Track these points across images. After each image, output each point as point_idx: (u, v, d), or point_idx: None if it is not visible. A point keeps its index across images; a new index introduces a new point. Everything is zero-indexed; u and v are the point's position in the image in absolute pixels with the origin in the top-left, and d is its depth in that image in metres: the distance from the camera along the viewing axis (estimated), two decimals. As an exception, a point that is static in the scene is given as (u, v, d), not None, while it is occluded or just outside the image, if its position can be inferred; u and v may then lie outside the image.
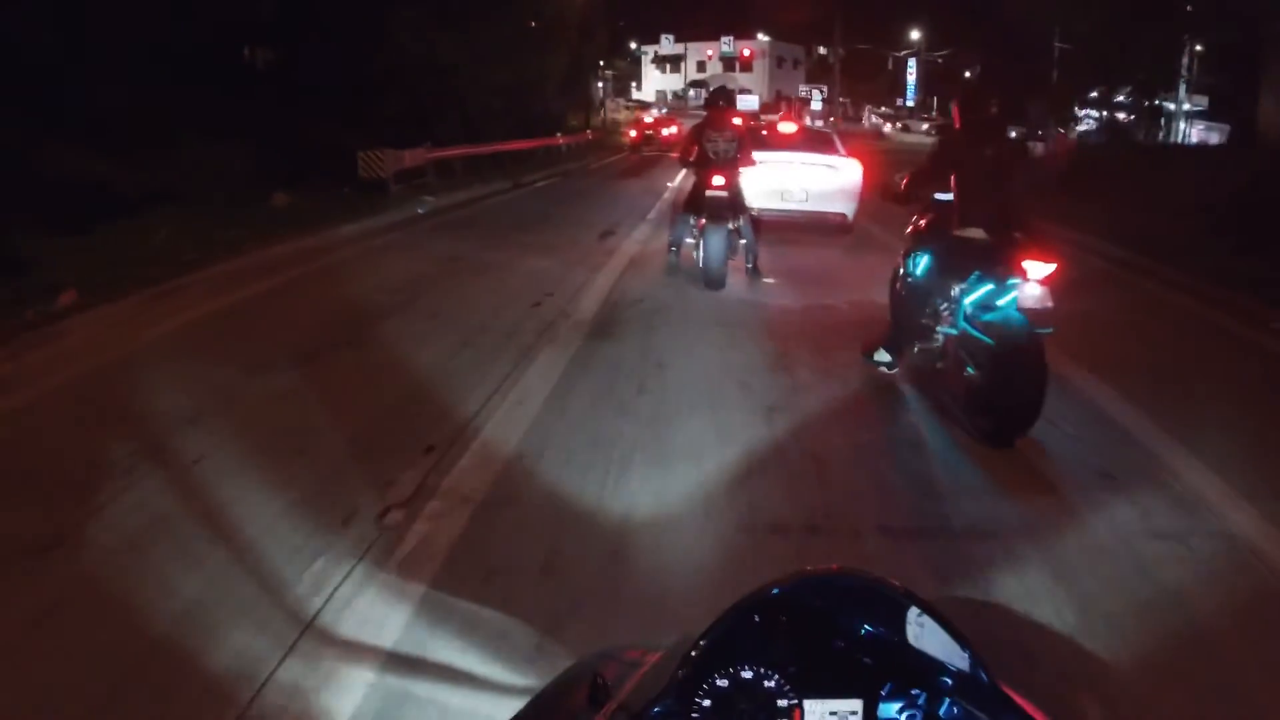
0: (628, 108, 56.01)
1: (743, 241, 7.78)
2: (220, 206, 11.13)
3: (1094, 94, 31.67)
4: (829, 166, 10.95)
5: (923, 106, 60.37)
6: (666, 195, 15.53)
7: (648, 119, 38.83)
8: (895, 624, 0.87)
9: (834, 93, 53.33)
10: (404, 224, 11.85)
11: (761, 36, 66.03)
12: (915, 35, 60.38)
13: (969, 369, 4.54)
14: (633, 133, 35.66)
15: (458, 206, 14.23)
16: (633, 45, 67.07)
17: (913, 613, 0.87)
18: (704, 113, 7.79)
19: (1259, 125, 16.21)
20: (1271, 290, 7.80)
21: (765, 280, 7.92)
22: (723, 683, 0.83)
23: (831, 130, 16.12)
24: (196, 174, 12.24)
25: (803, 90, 62.16)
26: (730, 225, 7.39)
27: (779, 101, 55.28)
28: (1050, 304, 4.30)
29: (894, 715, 0.85)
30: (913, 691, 0.85)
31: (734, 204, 7.42)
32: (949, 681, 0.85)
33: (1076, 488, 3.83)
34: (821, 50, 62.94)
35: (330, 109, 16.75)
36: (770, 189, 10.42)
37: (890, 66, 63.67)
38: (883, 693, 0.85)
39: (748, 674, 0.84)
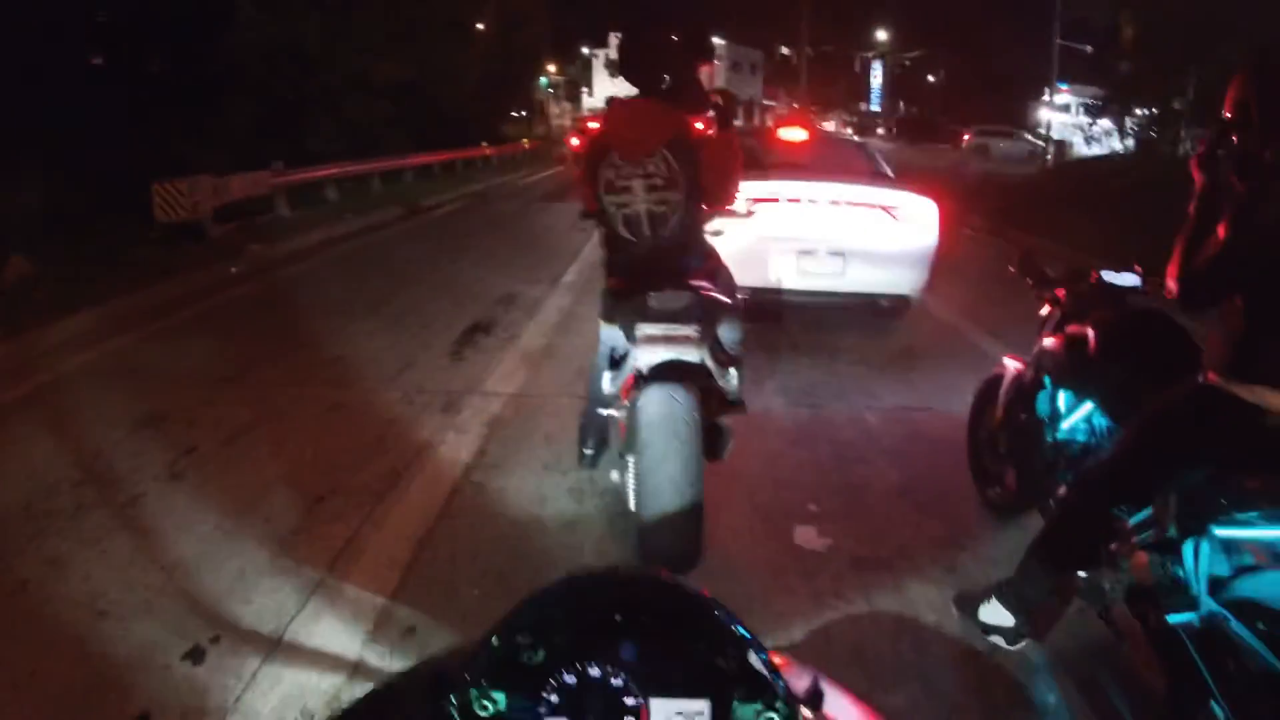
0: (576, 116, 52.10)
1: (730, 384, 3.14)
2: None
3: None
4: (882, 208, 6.26)
5: (889, 111, 57.52)
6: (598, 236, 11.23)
7: (593, 125, 34.58)
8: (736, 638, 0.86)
9: (802, 96, 49.48)
10: (187, 301, 7.50)
11: (717, 40, 62.57)
12: (881, 36, 57.38)
13: (1214, 707, 2.02)
14: (574, 140, 31.40)
15: (293, 258, 9.93)
16: (584, 50, 63.52)
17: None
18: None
19: None
20: None
21: (805, 535, 3.47)
22: (570, 679, 0.81)
23: (866, 143, 9.96)
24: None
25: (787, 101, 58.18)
26: (699, 358, 2.95)
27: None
28: None
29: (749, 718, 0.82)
30: (767, 695, 0.82)
31: (709, 307, 3.00)
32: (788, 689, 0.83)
33: None
34: (785, 51, 59.70)
35: (164, 118, 12.71)
36: (777, 252, 6.12)
37: (857, 68, 60.69)
38: (736, 695, 0.82)
39: (595, 671, 0.81)
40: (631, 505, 2.90)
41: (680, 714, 0.81)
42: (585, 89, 65.55)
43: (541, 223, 14.01)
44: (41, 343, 5.99)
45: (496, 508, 3.63)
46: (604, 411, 3.30)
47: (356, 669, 2.56)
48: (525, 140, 31.88)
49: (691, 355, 2.89)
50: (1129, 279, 3.03)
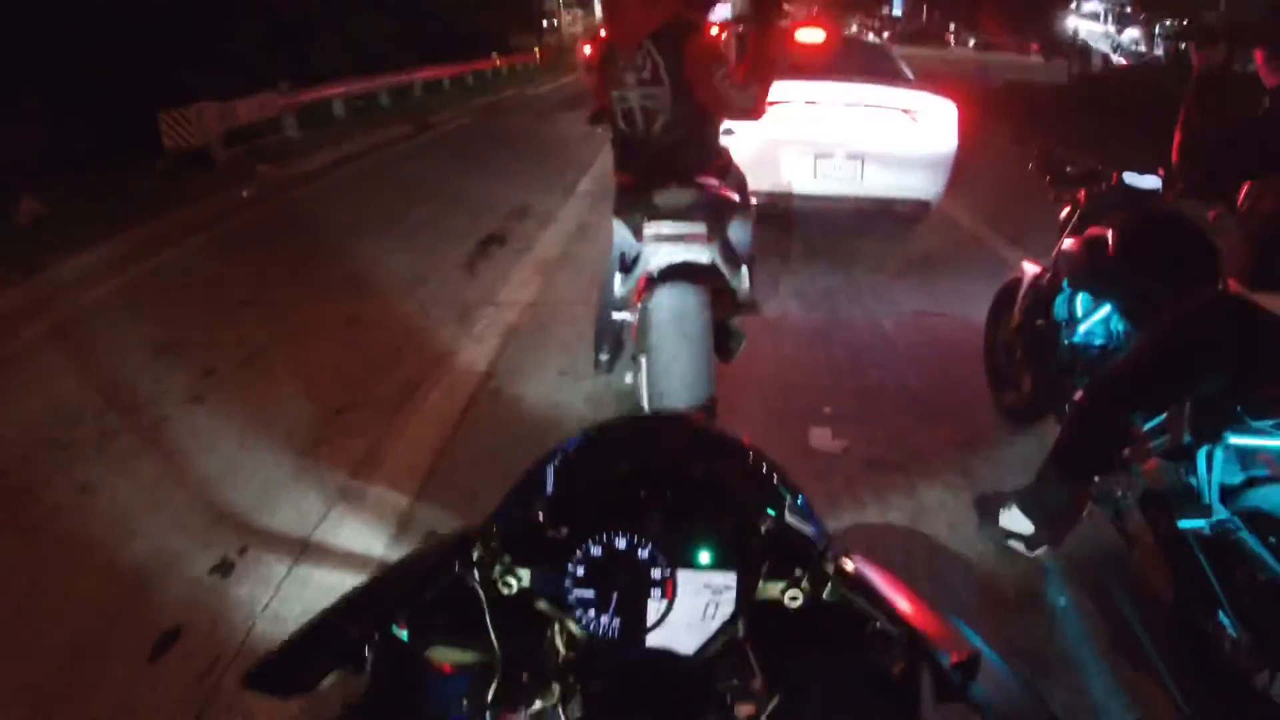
0: (590, 23, 50.49)
1: (742, 284, 3.09)
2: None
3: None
4: (902, 110, 6.06)
5: (913, 17, 55.53)
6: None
7: (605, 32, 33.40)
8: (768, 495, 0.86)
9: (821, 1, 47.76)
10: (199, 228, 7.38)
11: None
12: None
13: (1220, 615, 2.09)
14: (587, 49, 30.52)
15: (305, 179, 9.71)
16: (596, -45, 61.41)
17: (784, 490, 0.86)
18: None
19: None
20: None
21: (820, 438, 3.51)
22: (596, 550, 0.80)
23: (886, 45, 9.23)
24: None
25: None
26: (709, 257, 2.91)
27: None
28: None
29: (775, 595, 0.81)
30: (796, 572, 0.81)
31: (716, 204, 2.94)
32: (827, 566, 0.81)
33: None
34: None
35: (162, 44, 12.36)
36: (792, 155, 5.94)
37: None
38: (762, 569, 0.81)
39: (621, 543, 0.80)
40: (645, 406, 2.91)
41: (708, 586, 0.80)
42: (597, -4, 63.79)
43: (554, 134, 13.68)
44: (59, 278, 5.97)
45: (514, 414, 3.66)
46: (617, 316, 3.28)
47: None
48: (536, 50, 31.11)
49: (701, 255, 2.86)
50: (1151, 181, 2.96)
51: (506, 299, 5.16)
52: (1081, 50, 34.04)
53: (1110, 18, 36.71)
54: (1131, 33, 27.75)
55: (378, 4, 16.30)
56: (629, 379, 3.16)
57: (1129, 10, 23.78)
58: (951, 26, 53.70)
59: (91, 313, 5.25)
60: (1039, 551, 2.70)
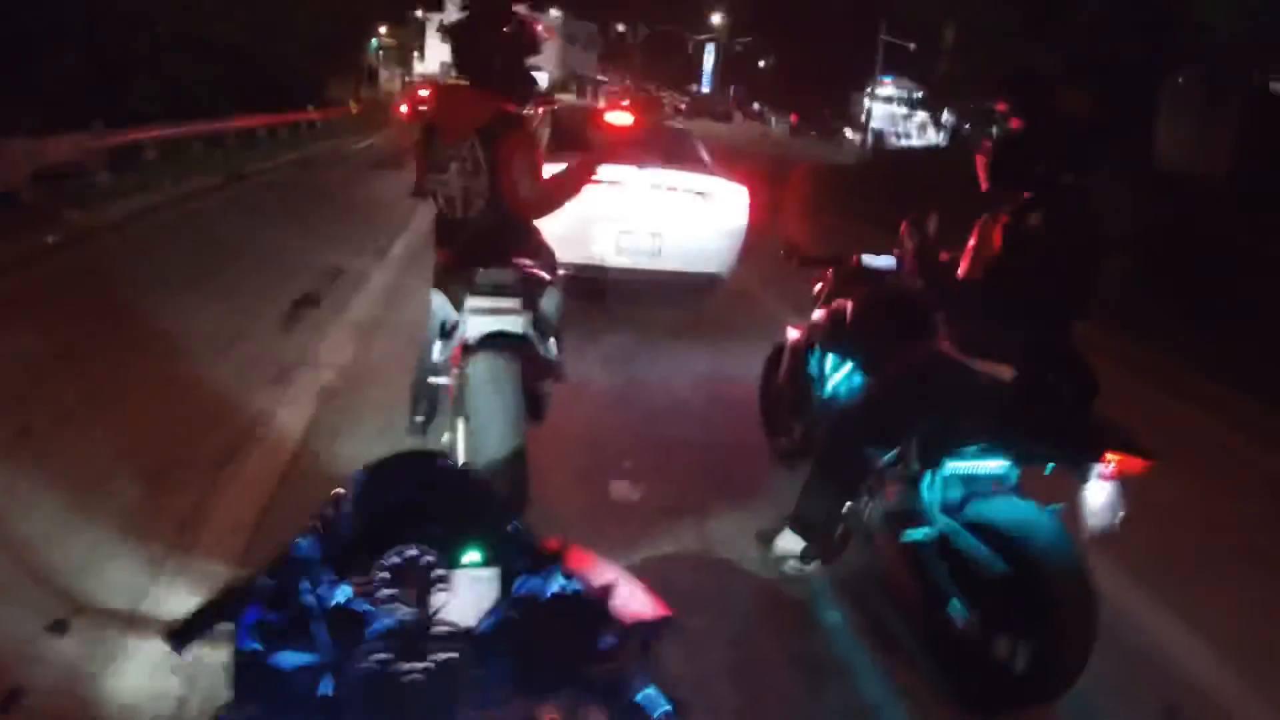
0: (408, 80, 50.37)
1: (551, 352, 3.55)
2: None
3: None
4: (698, 193, 6.78)
5: (719, 93, 59.13)
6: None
7: (423, 92, 31.95)
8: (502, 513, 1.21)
9: (634, 74, 50.17)
10: (3, 274, 6.88)
11: (554, 12, 61.95)
12: (717, 19, 58.73)
13: (954, 605, 2.76)
14: (404, 107, 30.10)
15: (115, 227, 9.25)
16: (417, 13, 61.34)
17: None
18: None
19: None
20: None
21: (619, 489, 3.94)
22: (395, 560, 1.06)
23: (688, 130, 9.75)
24: None
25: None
26: (522, 328, 3.21)
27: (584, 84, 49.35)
28: (1123, 512, 2.50)
29: (528, 591, 1.07)
30: (546, 569, 1.09)
31: (530, 281, 3.34)
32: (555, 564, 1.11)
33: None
34: (620, 28, 60.03)
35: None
36: (595, 231, 6.47)
37: (690, 50, 61.83)
38: (518, 569, 1.09)
39: (413, 552, 1.07)
40: (462, 463, 3.23)
41: (476, 579, 1.07)
42: (417, 53, 63.32)
43: (368, 192, 13.74)
44: None
45: (335, 471, 3.78)
46: (434, 380, 3.56)
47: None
48: (353, 104, 30.78)
49: (515, 326, 3.18)
50: (886, 261, 3.61)
51: (323, 360, 5.26)
52: (876, 133, 37.34)
53: (901, 103, 40.54)
54: (919, 117, 30.82)
55: (201, 47, 15.82)
56: (445, 438, 3.44)
57: (918, 96, 26.67)
58: (756, 105, 58.02)
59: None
60: (812, 566, 3.17)
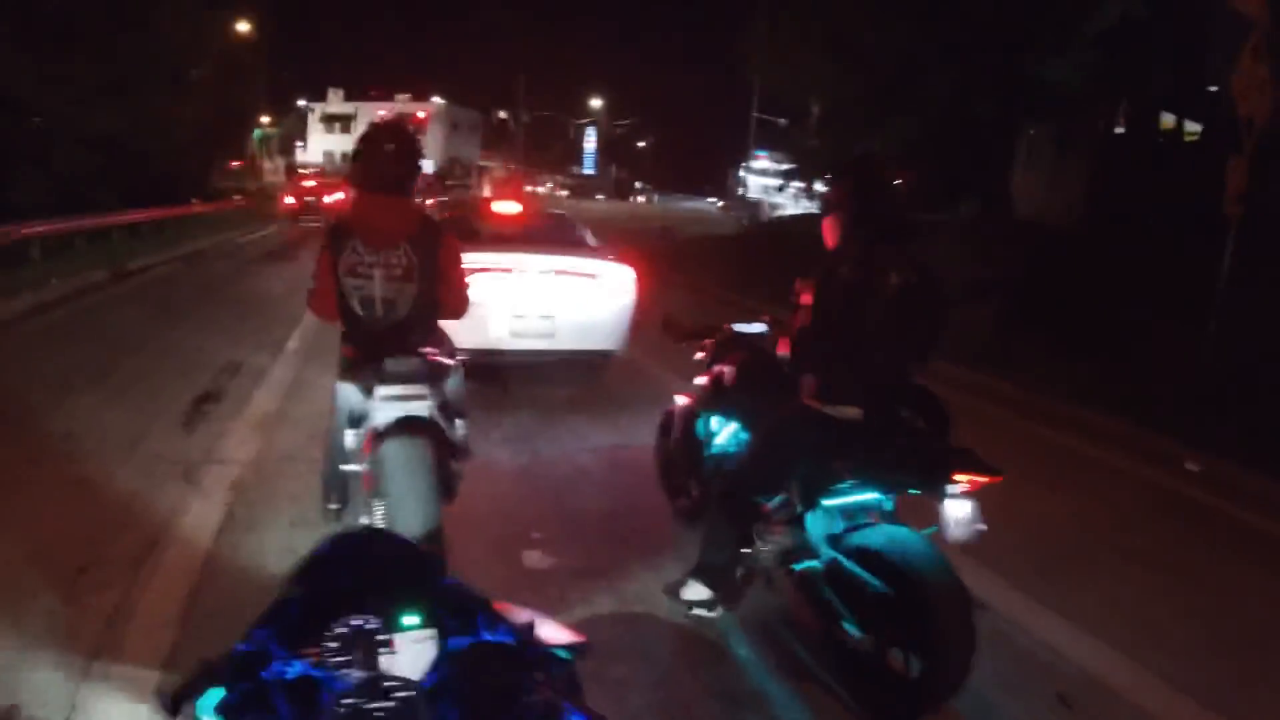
0: (293, 169, 49.99)
1: (458, 434, 3.85)
2: None
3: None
4: (586, 275, 7.16)
5: (602, 174, 60.87)
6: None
7: (308, 183, 32.11)
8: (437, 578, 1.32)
9: (518, 158, 51.29)
10: None
11: (437, 99, 62.88)
12: (596, 104, 60.70)
13: (846, 625, 3.12)
14: (289, 199, 29.66)
15: (4, 326, 9.16)
16: (300, 102, 61.26)
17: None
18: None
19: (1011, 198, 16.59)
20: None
21: (532, 558, 4.20)
22: (342, 629, 1.15)
23: (572, 218, 10.11)
24: None
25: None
26: (430, 413, 3.45)
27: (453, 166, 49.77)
28: (982, 526, 2.87)
29: (463, 646, 1.18)
30: (473, 626, 1.21)
31: (435, 369, 3.57)
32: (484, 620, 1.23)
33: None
34: (502, 115, 61.27)
35: None
36: (493, 316, 6.69)
37: (571, 134, 63.51)
38: (450, 627, 1.20)
39: (357, 621, 1.16)
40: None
41: (416, 640, 1.18)
42: (300, 143, 63.01)
43: (259, 286, 13.75)
44: None
45: (254, 562, 3.91)
46: (345, 467, 3.74)
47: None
48: (238, 196, 30.49)
49: (424, 410, 3.42)
50: (757, 327, 4.04)
51: (229, 456, 5.31)
52: (752, 204, 38.94)
53: (775, 175, 42.49)
54: (793, 187, 32.33)
55: (84, 140, 15.55)
56: (364, 521, 3.64)
57: (790, 169, 28.20)
58: (638, 184, 60.11)
59: None
60: (718, 612, 3.48)
